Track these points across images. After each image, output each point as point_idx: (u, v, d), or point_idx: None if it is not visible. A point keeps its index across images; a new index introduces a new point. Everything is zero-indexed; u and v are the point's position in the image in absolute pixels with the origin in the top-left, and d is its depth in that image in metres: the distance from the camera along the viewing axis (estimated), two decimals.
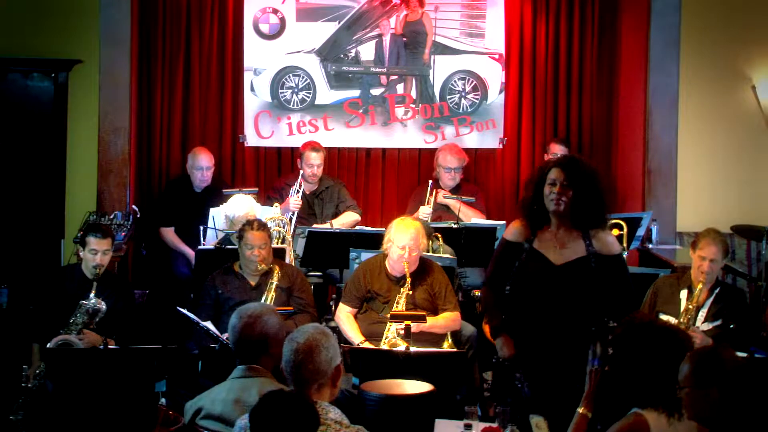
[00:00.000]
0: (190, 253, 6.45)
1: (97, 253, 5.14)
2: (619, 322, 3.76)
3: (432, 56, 7.36)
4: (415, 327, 4.79)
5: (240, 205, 6.12)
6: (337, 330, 5.30)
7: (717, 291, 4.99)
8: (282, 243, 6.02)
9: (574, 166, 4.06)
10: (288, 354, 3.18)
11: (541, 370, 4.06)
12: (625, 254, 6.02)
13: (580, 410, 3.37)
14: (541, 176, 4.11)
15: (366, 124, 7.39)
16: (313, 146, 6.69)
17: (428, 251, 5.60)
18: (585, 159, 4.27)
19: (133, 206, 6.75)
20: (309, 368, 3.13)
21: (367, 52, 7.37)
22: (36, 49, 6.77)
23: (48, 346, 4.77)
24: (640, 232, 6.38)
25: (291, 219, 6.43)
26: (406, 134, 7.41)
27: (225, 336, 4.77)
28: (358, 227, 6.53)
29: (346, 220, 6.69)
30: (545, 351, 4.05)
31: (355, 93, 7.38)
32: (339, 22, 7.32)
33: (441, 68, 7.38)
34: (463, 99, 7.39)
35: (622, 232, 6.00)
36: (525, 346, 4.10)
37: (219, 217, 6.13)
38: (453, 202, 6.56)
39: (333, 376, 3.18)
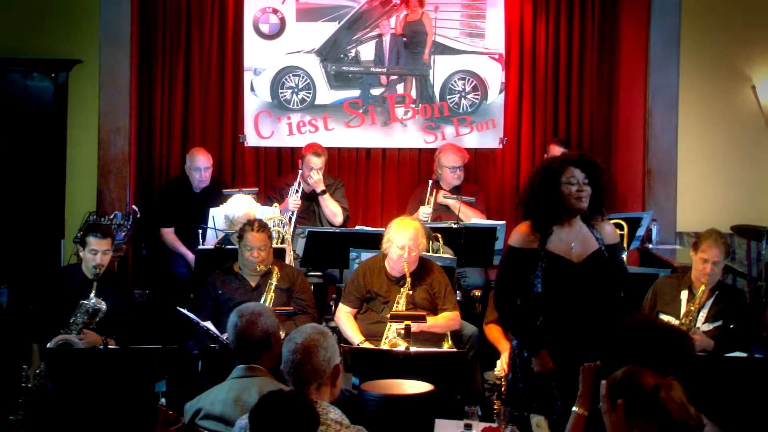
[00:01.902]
0: (189, 255, 6.45)
1: (97, 253, 5.14)
2: (623, 314, 3.79)
3: (432, 56, 7.36)
4: (415, 327, 4.79)
5: (240, 205, 6.12)
6: (337, 330, 5.30)
7: (717, 292, 4.99)
8: (281, 243, 6.02)
9: (592, 165, 4.13)
10: (286, 354, 3.18)
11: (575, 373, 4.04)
12: (624, 254, 6.04)
13: (577, 409, 3.36)
14: (554, 176, 4.09)
15: (366, 124, 7.39)
16: (315, 150, 6.66)
17: (428, 251, 5.60)
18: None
19: (133, 206, 6.75)
20: (307, 368, 3.14)
21: (367, 52, 7.37)
22: (36, 49, 6.77)
23: (48, 345, 4.77)
24: (640, 232, 6.38)
25: (290, 219, 6.44)
26: (406, 134, 7.41)
27: (225, 336, 4.78)
28: (358, 227, 6.53)
29: (334, 207, 6.65)
30: (581, 352, 3.92)
31: (355, 93, 7.38)
32: (339, 22, 7.32)
33: (441, 68, 7.38)
34: (463, 99, 7.39)
35: (622, 232, 5.98)
36: (559, 354, 4.06)
37: (219, 217, 6.13)
38: (453, 202, 6.55)
39: (332, 376, 3.18)
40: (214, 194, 6.58)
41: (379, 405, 3.93)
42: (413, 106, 7.39)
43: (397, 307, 5.08)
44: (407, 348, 4.54)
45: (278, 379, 3.49)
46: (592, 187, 4.09)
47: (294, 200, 6.53)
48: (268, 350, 3.54)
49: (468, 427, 3.68)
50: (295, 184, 6.61)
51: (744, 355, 4.74)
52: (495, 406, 4.49)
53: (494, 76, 7.38)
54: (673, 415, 2.83)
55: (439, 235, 5.85)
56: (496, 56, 7.36)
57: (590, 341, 3.93)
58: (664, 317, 4.90)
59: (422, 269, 5.25)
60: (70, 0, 6.88)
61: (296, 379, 3.16)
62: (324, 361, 3.16)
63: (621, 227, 5.97)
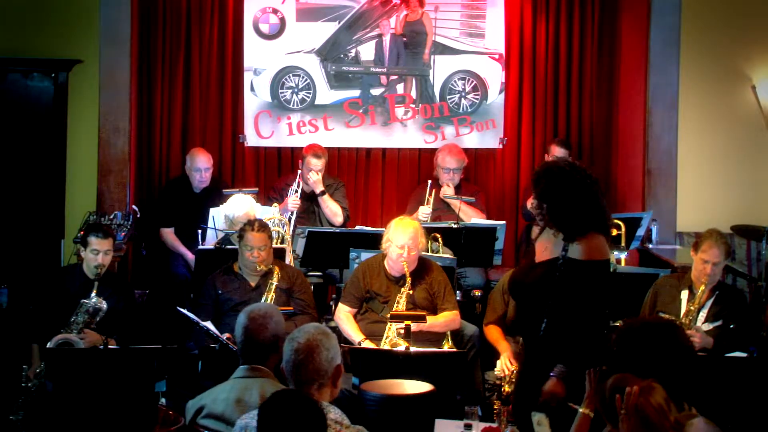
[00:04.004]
0: (189, 255, 6.46)
1: (98, 253, 5.15)
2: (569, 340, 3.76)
3: (432, 56, 7.36)
4: (415, 327, 4.79)
5: (240, 205, 6.12)
6: (336, 330, 5.30)
7: (717, 292, 4.99)
8: (281, 243, 6.02)
9: (538, 183, 3.98)
10: (288, 354, 3.18)
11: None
12: (624, 254, 6.02)
13: (582, 410, 3.37)
14: None
15: (366, 124, 7.39)
16: (315, 152, 6.66)
17: (428, 251, 5.60)
18: (561, 168, 4.03)
19: (133, 206, 6.75)
20: (309, 368, 3.14)
21: (367, 52, 7.37)
22: (36, 49, 6.77)
23: (48, 345, 4.77)
24: (640, 232, 6.38)
25: (290, 219, 6.44)
26: (406, 134, 7.41)
27: (225, 336, 4.78)
28: (358, 227, 6.53)
29: (334, 207, 6.66)
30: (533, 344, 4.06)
31: (355, 93, 7.38)
32: (339, 22, 7.32)
33: (441, 68, 7.38)
34: (463, 99, 7.39)
35: (620, 232, 5.98)
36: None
37: (219, 217, 6.14)
38: (454, 202, 6.56)
39: (333, 376, 3.19)
40: (214, 194, 6.59)
41: (379, 405, 3.94)
42: (413, 106, 7.39)
43: (397, 306, 5.08)
44: (407, 348, 4.55)
45: (280, 380, 3.49)
46: (548, 204, 3.93)
47: (293, 200, 6.54)
48: (276, 352, 3.52)
49: (468, 427, 3.69)
50: (294, 185, 6.61)
51: (744, 355, 4.74)
52: (495, 406, 4.50)
53: (494, 76, 7.38)
54: (651, 419, 2.86)
55: (439, 235, 5.85)
56: (496, 56, 7.36)
57: (538, 338, 3.96)
58: (665, 317, 4.89)
59: (422, 269, 5.26)
60: (70, 0, 6.88)
61: (297, 378, 3.16)
62: (326, 362, 3.16)
63: (619, 227, 5.97)
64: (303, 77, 7.36)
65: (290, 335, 3.25)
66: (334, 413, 3.07)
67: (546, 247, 4.01)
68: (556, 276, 3.86)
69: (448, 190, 6.72)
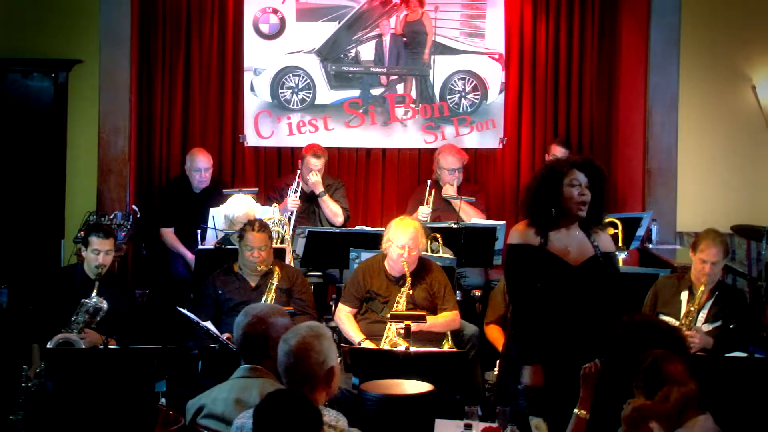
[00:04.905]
0: (189, 255, 6.46)
1: (99, 253, 5.15)
2: (606, 322, 3.76)
3: (432, 56, 7.36)
4: (415, 327, 4.79)
5: (239, 205, 6.12)
6: (337, 330, 5.31)
7: (717, 292, 4.98)
8: (281, 243, 6.02)
9: (597, 170, 4.04)
10: (280, 356, 3.17)
11: (562, 376, 3.87)
12: (624, 254, 6.04)
13: (578, 412, 3.36)
14: (556, 177, 4.00)
15: (366, 124, 7.39)
16: (315, 152, 6.66)
17: (428, 252, 5.60)
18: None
19: (133, 206, 6.75)
20: (300, 371, 3.12)
21: (367, 52, 7.37)
22: (36, 49, 6.77)
23: (48, 345, 4.77)
24: (640, 232, 6.38)
25: (290, 219, 6.45)
26: (406, 134, 7.41)
27: (225, 336, 4.79)
28: (358, 227, 6.53)
29: (335, 208, 6.66)
30: (572, 357, 3.84)
31: (355, 93, 7.38)
32: (339, 22, 7.32)
33: (441, 68, 7.38)
34: (463, 99, 7.39)
35: (616, 231, 5.98)
36: (550, 358, 3.95)
37: (219, 217, 6.14)
38: (455, 201, 6.56)
39: (325, 378, 3.16)
40: (214, 194, 6.59)
41: (379, 405, 3.94)
42: (413, 106, 7.39)
43: (397, 307, 5.08)
44: (407, 348, 4.55)
45: (281, 382, 3.49)
46: (593, 193, 4.00)
47: (293, 200, 6.54)
48: (268, 353, 3.50)
49: (468, 427, 3.68)
50: (294, 185, 6.62)
51: (744, 355, 4.74)
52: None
53: (494, 76, 7.38)
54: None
55: (439, 236, 5.85)
56: (496, 56, 7.36)
57: (581, 346, 3.86)
58: (664, 318, 4.89)
59: (422, 269, 5.26)
60: (70, 0, 6.88)
61: (290, 380, 3.15)
62: (316, 365, 3.13)
63: (615, 226, 5.96)
64: (303, 77, 7.36)
65: (283, 336, 3.23)
66: (328, 416, 3.04)
67: (569, 245, 4.00)
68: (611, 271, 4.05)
69: (449, 189, 6.73)
